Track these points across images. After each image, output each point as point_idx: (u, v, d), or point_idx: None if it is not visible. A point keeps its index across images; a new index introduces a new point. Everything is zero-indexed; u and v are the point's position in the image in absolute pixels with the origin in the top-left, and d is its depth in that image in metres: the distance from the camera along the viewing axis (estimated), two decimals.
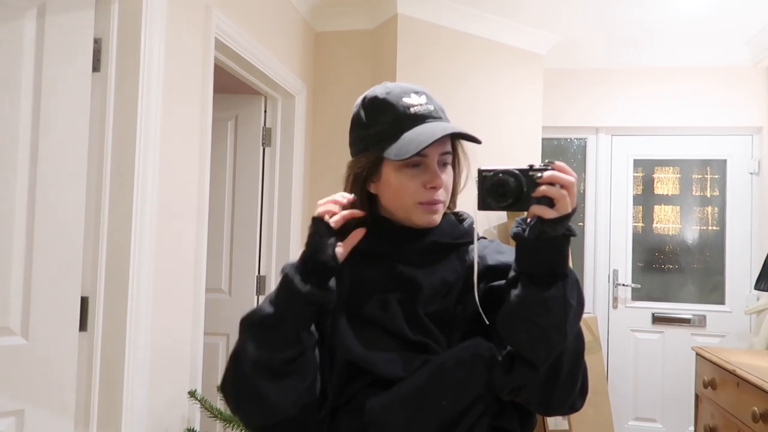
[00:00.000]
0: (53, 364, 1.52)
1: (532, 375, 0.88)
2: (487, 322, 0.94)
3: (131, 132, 1.63)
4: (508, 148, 3.09)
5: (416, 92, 0.98)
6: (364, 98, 1.00)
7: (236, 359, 0.93)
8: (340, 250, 0.94)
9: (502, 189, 0.87)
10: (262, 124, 2.92)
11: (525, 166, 0.86)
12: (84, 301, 1.58)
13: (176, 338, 1.92)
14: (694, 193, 3.73)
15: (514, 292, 0.87)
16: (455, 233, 1.01)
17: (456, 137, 0.98)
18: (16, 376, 1.46)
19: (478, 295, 0.95)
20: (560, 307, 0.85)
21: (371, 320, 0.96)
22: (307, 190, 3.01)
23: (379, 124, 0.96)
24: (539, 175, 0.85)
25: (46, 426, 1.50)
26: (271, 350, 0.90)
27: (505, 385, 0.91)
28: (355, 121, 1.00)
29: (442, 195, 0.97)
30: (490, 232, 3.16)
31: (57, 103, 1.53)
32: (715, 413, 2.50)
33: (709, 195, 3.71)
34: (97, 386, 1.58)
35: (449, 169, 0.99)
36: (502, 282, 0.93)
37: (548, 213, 0.83)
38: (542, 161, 0.90)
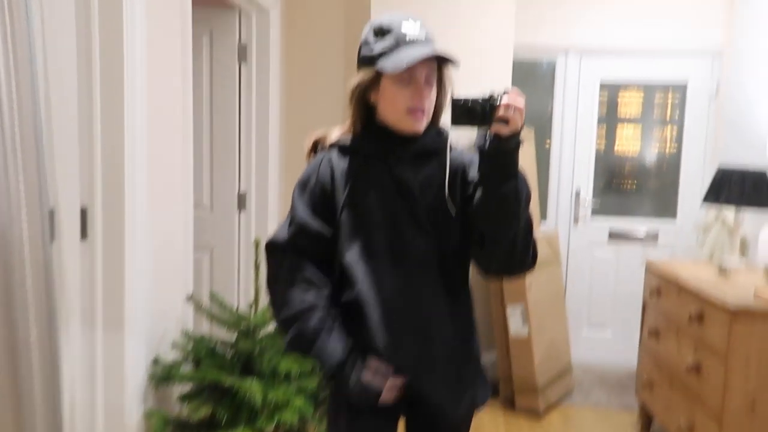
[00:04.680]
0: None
1: (497, 248, 1.21)
2: (453, 214, 1.25)
3: (118, 43, 1.66)
4: (481, 70, 3.13)
5: (413, 21, 1.24)
6: (372, 24, 1.26)
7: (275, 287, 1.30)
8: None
9: (470, 113, 1.13)
10: (237, 40, 2.89)
11: (487, 95, 1.12)
12: (83, 212, 1.66)
13: (170, 248, 2.01)
14: (655, 116, 3.89)
15: (480, 189, 1.18)
16: (437, 141, 1.30)
17: (439, 60, 1.23)
18: None
19: (453, 188, 1.26)
20: (514, 198, 1.15)
21: (369, 210, 1.24)
22: (284, 107, 3.03)
23: (382, 45, 1.22)
24: (498, 101, 1.10)
25: None
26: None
27: (480, 257, 1.26)
28: (364, 42, 1.27)
29: (426, 104, 1.24)
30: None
31: (49, 16, 1.52)
32: (658, 317, 2.76)
33: (668, 118, 3.87)
34: (100, 290, 1.68)
35: (434, 88, 1.26)
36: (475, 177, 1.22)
37: (504, 130, 1.12)
38: (511, 84, 1.12)
